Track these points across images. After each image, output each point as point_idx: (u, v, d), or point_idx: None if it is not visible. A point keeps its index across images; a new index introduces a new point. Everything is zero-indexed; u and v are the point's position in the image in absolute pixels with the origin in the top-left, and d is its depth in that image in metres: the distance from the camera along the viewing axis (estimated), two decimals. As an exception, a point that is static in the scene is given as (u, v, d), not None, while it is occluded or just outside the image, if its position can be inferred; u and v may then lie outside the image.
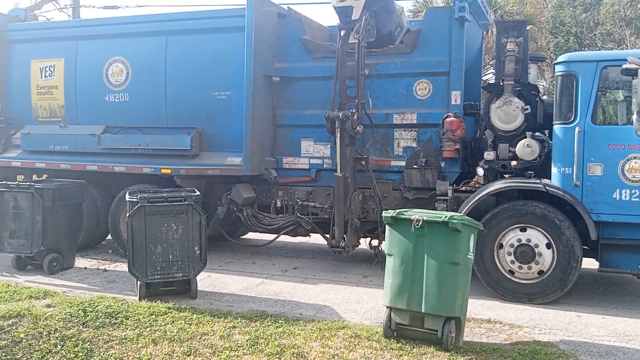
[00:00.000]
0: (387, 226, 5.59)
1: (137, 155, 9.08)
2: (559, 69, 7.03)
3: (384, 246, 5.69)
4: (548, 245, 6.83)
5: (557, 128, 6.97)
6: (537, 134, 7.43)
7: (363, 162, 8.05)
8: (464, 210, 7.10)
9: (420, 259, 5.31)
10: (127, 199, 6.85)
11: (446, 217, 5.25)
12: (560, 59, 7.09)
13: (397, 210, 5.55)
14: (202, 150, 8.85)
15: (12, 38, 10.04)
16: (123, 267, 8.21)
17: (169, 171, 8.82)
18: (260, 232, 9.12)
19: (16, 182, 8.38)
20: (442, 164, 7.98)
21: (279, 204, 8.85)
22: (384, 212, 5.68)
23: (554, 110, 7.09)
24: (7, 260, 8.45)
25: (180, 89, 8.91)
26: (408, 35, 8.16)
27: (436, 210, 7.47)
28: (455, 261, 5.23)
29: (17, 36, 10.04)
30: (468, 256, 5.38)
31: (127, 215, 6.68)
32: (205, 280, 7.69)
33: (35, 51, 9.83)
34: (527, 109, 7.45)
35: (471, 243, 5.41)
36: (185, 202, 6.81)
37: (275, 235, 8.96)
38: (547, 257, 6.83)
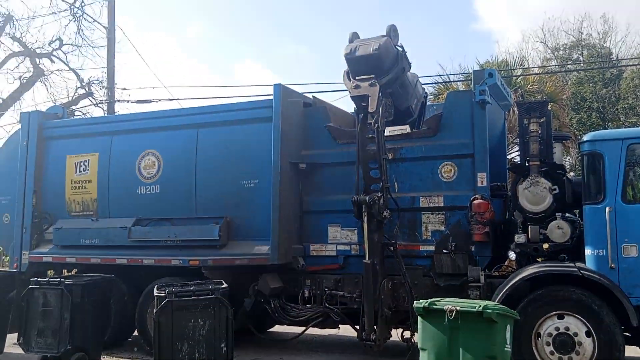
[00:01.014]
0: (419, 317, 5.35)
1: (166, 247, 9.04)
2: (584, 148, 6.90)
3: (417, 339, 5.40)
4: (588, 334, 6.45)
5: (587, 208, 6.76)
6: (568, 214, 7.20)
7: (392, 248, 7.87)
8: (498, 298, 6.80)
9: (456, 353, 5.07)
10: (154, 294, 6.75)
11: (480, 306, 5.04)
12: (585, 138, 6.98)
13: (429, 300, 5.34)
14: (230, 240, 8.77)
15: (49, 135, 10.35)
16: None
17: (197, 263, 8.73)
18: (288, 324, 8.86)
19: (46, 279, 8.32)
20: (473, 248, 7.73)
21: (306, 294, 8.61)
22: (415, 302, 5.47)
23: (583, 190, 6.91)
24: None
25: (210, 179, 8.97)
26: (431, 119, 8.17)
27: (469, 297, 7.20)
28: (492, 355, 5.00)
29: (54, 133, 10.36)
30: (505, 349, 5.11)
31: (155, 311, 6.55)
32: None
33: (71, 147, 10.09)
34: (555, 190, 7.28)
35: (508, 334, 5.16)
36: (212, 296, 6.66)
37: (304, 328, 8.67)
38: (587, 347, 6.44)
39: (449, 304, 5.21)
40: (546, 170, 7.47)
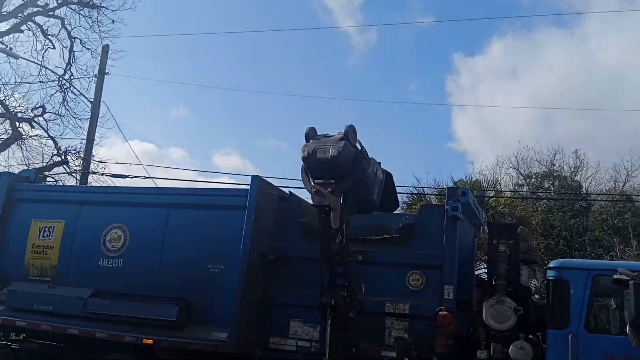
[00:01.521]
0: None
1: (121, 322, 8.78)
2: (550, 273, 7.12)
3: None
4: None
5: (550, 332, 6.88)
6: (530, 336, 7.25)
7: (353, 349, 7.77)
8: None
9: None
10: None
11: None
12: (552, 264, 7.21)
13: None
14: (188, 323, 8.59)
15: (18, 197, 10.27)
16: None
17: (150, 342, 8.49)
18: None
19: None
20: (435, 359, 7.67)
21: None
22: None
23: (547, 314, 7.03)
24: None
25: (175, 260, 8.91)
26: (403, 228, 8.35)
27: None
28: None
29: (23, 195, 10.29)
30: None
31: None
32: None
33: (39, 211, 10.00)
34: (519, 310, 7.38)
35: None
36: None
37: None
38: None
39: None
40: (512, 291, 7.60)
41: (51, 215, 9.88)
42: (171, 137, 60.24)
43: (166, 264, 8.95)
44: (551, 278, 7.05)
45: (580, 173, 30.85)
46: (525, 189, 30.39)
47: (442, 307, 7.68)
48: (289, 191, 9.54)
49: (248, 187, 8.76)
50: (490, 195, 21.80)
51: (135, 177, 16.86)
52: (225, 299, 8.40)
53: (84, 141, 18.87)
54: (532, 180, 31.67)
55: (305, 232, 8.80)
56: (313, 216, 9.24)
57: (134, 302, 8.87)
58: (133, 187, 10.21)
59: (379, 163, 8.47)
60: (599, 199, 27.44)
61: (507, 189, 28.57)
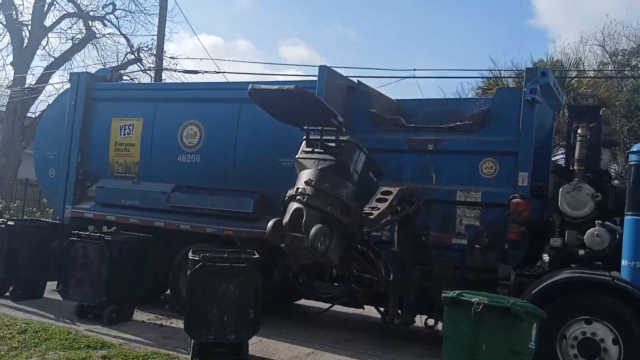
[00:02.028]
0: (445, 307, 5.43)
1: (203, 215, 9.31)
2: (632, 158, 6.81)
3: (442, 328, 5.49)
4: (615, 341, 6.42)
5: (628, 219, 6.69)
6: (607, 222, 7.11)
7: (423, 238, 7.92)
8: (528, 297, 6.78)
9: (479, 345, 5.14)
10: (190, 257, 6.97)
11: (509, 302, 5.08)
12: (635, 148, 6.88)
13: (457, 292, 5.42)
14: (264, 214, 8.94)
15: (97, 96, 10.70)
16: (178, 323, 8.25)
17: (230, 233, 8.99)
18: (315, 300, 9.02)
19: (87, 233, 8.72)
20: (506, 246, 7.72)
21: (334, 273, 8.73)
22: (443, 292, 5.54)
23: (627, 200, 6.81)
24: (70, 308, 8.68)
25: (249, 154, 9.17)
26: (477, 114, 8.11)
27: (497, 294, 7.23)
28: (516, 350, 5.06)
29: (102, 95, 10.71)
30: (530, 346, 5.18)
31: (189, 273, 6.78)
32: (257, 345, 7.63)
33: (117, 110, 10.43)
34: (597, 196, 7.20)
35: (533, 332, 5.21)
36: (244, 265, 6.86)
37: (329, 305, 8.83)
38: (613, 354, 6.40)
39: (477, 297, 5.26)
40: (590, 176, 7.39)
41: (129, 113, 10.28)
42: (237, 29, 59.85)
43: (240, 159, 9.23)
44: (633, 162, 6.75)
45: (671, 48, 28.55)
46: (610, 68, 28.60)
47: (516, 195, 7.58)
48: (358, 80, 9.39)
49: (316, 78, 8.69)
50: (572, 75, 20.69)
51: (206, 72, 17.13)
52: (298, 191, 8.64)
53: (155, 37, 19.12)
54: (619, 57, 29.61)
55: (375, 122, 8.75)
56: (382, 105, 9.19)
57: (213, 196, 9.32)
58: (205, 83, 10.36)
59: None
60: (688, 76, 25.50)
61: (591, 69, 27.03)
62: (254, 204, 8.85)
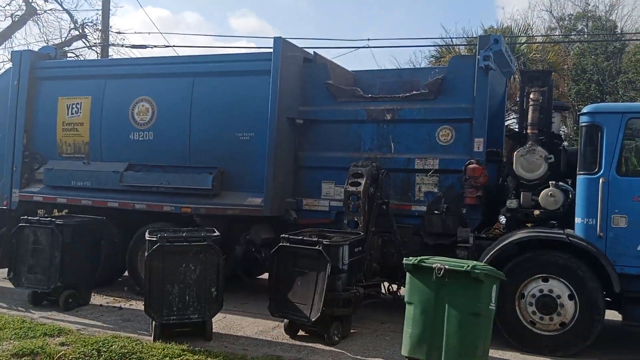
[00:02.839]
0: (407, 274, 5.55)
1: (158, 193, 9.16)
2: (584, 119, 7.02)
3: (404, 294, 5.61)
4: (571, 297, 6.70)
5: (581, 178, 6.92)
6: (561, 183, 7.37)
7: (384, 207, 8.05)
8: (486, 259, 6.99)
9: (441, 308, 5.26)
10: (146, 237, 6.88)
11: (469, 266, 5.22)
12: (586, 110, 7.09)
13: (419, 258, 5.53)
14: (222, 190, 8.91)
15: (41, 75, 10.32)
16: (139, 305, 8.18)
17: (189, 210, 8.89)
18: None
19: (37, 218, 8.50)
20: (464, 211, 7.93)
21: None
22: (405, 259, 5.66)
23: (578, 160, 7.05)
24: (24, 295, 8.48)
25: (205, 129, 9.04)
26: (432, 82, 8.21)
27: (457, 257, 7.43)
28: (477, 312, 5.21)
29: (47, 74, 10.32)
30: (490, 307, 5.33)
31: (146, 254, 6.70)
32: (221, 322, 7.64)
33: (64, 88, 10.08)
34: (550, 158, 7.44)
35: (493, 293, 5.37)
36: (204, 243, 6.81)
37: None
38: (569, 309, 6.69)
39: (437, 262, 5.39)
40: (543, 139, 7.60)
41: (77, 91, 9.97)
42: (184, 0, 58.26)
43: (196, 134, 9.09)
44: (584, 124, 6.97)
45: (615, 12, 29.48)
46: (557, 33, 29.28)
47: (472, 160, 7.76)
48: (314, 52, 9.35)
49: (271, 50, 8.61)
50: (522, 41, 21.11)
51: (155, 46, 16.77)
52: (256, 165, 8.62)
53: (100, 12, 18.50)
54: (566, 22, 30.37)
55: (332, 94, 8.76)
56: (339, 76, 9.20)
57: (169, 173, 9.18)
58: (156, 58, 10.12)
59: None
60: (634, 38, 26.35)
61: (539, 34, 27.60)
62: (213, 180, 8.76)
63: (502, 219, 7.61)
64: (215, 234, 7.03)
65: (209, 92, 9.07)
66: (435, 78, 8.22)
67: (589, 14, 29.92)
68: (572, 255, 6.79)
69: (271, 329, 7.44)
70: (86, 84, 9.92)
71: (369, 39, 20.15)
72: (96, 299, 8.81)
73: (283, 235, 7.07)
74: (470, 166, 7.73)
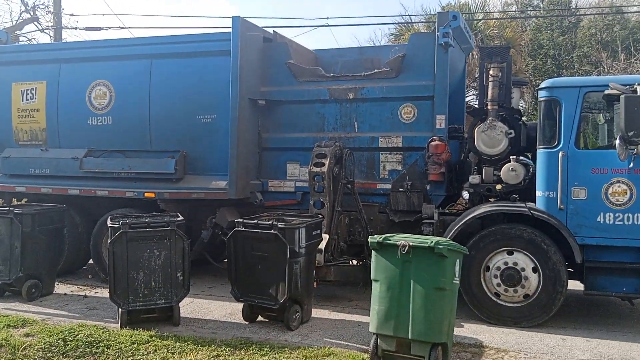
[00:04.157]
0: (373, 252, 5.57)
1: (120, 179, 8.98)
2: (542, 94, 7.09)
3: (370, 271, 5.64)
4: (534, 269, 6.83)
5: (540, 152, 7.02)
6: (522, 157, 7.46)
7: (349, 186, 8.04)
8: (450, 234, 7.08)
9: (407, 284, 5.30)
10: (108, 224, 6.73)
11: (432, 242, 5.26)
12: (544, 84, 7.16)
13: (384, 236, 5.53)
14: (186, 174, 8.77)
15: (-7, 61, 9.93)
16: (104, 292, 8.04)
17: (152, 195, 8.73)
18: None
19: (-6, 207, 8.22)
20: (428, 187, 7.98)
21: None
22: (370, 237, 5.68)
23: (538, 134, 7.14)
24: (-15, 287, 8.24)
25: (165, 113, 8.84)
26: (393, 60, 8.18)
27: (422, 233, 7.50)
28: (441, 287, 5.25)
29: (-1, 58, 9.93)
30: (454, 281, 5.40)
31: (109, 241, 6.58)
32: (188, 307, 7.57)
33: (17, 74, 9.71)
34: (511, 133, 7.51)
35: (457, 268, 5.43)
36: (168, 228, 6.70)
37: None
38: (533, 281, 6.82)
39: (402, 239, 5.36)
40: (503, 115, 7.68)
41: (31, 76, 9.62)
42: None
43: (156, 118, 8.89)
44: (543, 98, 7.04)
45: (570, -14, 29.74)
46: (514, 9, 29.53)
47: (435, 137, 7.80)
48: (274, 31, 9.21)
49: (229, 30, 8.42)
50: (479, 17, 21.22)
51: (110, 28, 16.30)
52: (219, 148, 8.50)
53: None
54: (521, -2, 30.63)
55: (294, 74, 8.66)
56: (300, 56, 9.10)
57: (130, 159, 8.99)
58: (111, 40, 9.77)
59: None
60: (589, 12, 26.80)
61: (496, 10, 27.80)
62: (175, 164, 8.61)
63: (465, 195, 7.67)
64: (179, 219, 6.92)
65: (168, 74, 8.86)
66: (396, 56, 8.20)
67: (545, -12, 30.25)
68: (534, 228, 6.91)
69: (238, 311, 7.38)
70: (40, 69, 9.57)
71: (328, 17, 19.96)
72: (60, 288, 8.63)
73: (237, 220, 6.97)
74: (433, 143, 7.77)
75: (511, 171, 7.30)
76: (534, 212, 6.92)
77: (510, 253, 6.92)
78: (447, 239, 6.85)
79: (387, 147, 8.25)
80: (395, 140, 8.20)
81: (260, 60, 8.77)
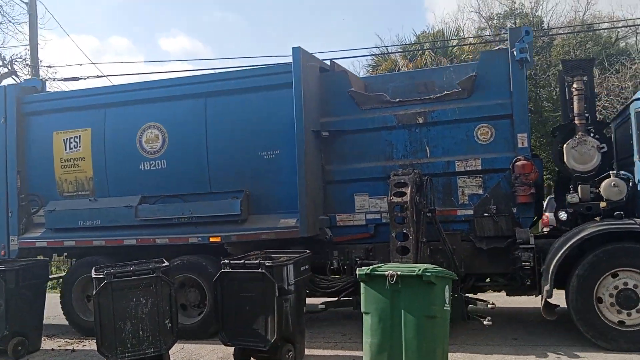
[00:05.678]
0: (361, 283, 5.15)
1: (180, 224, 7.93)
2: (638, 105, 6.35)
3: (360, 304, 5.18)
4: None
5: (644, 165, 6.24)
6: (622, 172, 6.67)
7: (429, 214, 7.15)
8: (557, 257, 6.24)
9: (398, 315, 4.93)
10: (92, 275, 6.02)
11: (420, 270, 4.91)
12: (638, 95, 6.43)
13: (371, 267, 5.18)
14: (250, 214, 7.78)
15: (30, 110, 8.84)
16: (92, 345, 7.03)
17: (218, 239, 7.71)
18: (319, 296, 8.00)
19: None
20: (515, 210, 7.12)
21: (335, 265, 7.80)
22: (357, 269, 5.30)
23: (637, 146, 6.38)
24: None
25: (223, 152, 7.89)
26: (465, 80, 7.38)
27: (520, 259, 6.67)
28: (432, 314, 4.88)
29: (37, 108, 8.84)
30: (444, 308, 5.01)
31: (94, 292, 5.91)
32: (179, 353, 6.88)
33: (58, 122, 8.63)
34: (603, 147, 6.75)
35: (446, 294, 5.05)
36: (154, 274, 6.06)
37: (336, 298, 7.85)
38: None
39: (389, 269, 5.04)
40: (591, 129, 6.93)
41: (73, 124, 8.56)
42: (110, 26, 55.24)
43: (215, 158, 7.92)
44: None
45: (540, 8, 29.70)
46: (487, 32, 29.36)
47: (520, 157, 6.99)
48: (331, 60, 8.36)
49: (288, 62, 7.55)
50: (454, 44, 20.87)
51: (88, 77, 15.27)
52: (285, 184, 7.57)
53: (28, 47, 16.78)
54: (495, 22, 30.49)
55: (357, 102, 7.80)
56: (355, 85, 8.25)
57: (189, 202, 7.96)
58: (160, 81, 8.73)
59: None
60: (561, 32, 26.72)
61: (471, 35, 27.55)
62: (240, 204, 7.62)
63: (563, 215, 6.84)
64: (164, 265, 6.25)
65: (224, 112, 7.92)
66: (468, 76, 7.39)
67: (516, 12, 30.14)
68: None
69: (231, 355, 6.41)
70: (83, 115, 8.53)
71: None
72: (47, 343, 7.82)
73: (224, 261, 6.27)
74: (519, 163, 6.94)
75: (613, 187, 6.50)
76: (651, 229, 6.09)
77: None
78: (555, 262, 6.08)
79: (465, 170, 7.37)
80: (473, 163, 7.34)
81: (319, 90, 7.90)
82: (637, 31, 25.21)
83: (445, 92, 7.51)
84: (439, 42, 22.87)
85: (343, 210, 7.86)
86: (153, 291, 6.02)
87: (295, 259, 6.28)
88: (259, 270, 5.96)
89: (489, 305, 6.88)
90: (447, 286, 5.05)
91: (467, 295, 7.29)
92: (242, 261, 6.25)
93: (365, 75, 16.12)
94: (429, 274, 4.85)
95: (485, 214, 7.18)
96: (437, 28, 24.66)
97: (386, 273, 4.97)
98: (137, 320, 5.95)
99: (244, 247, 7.63)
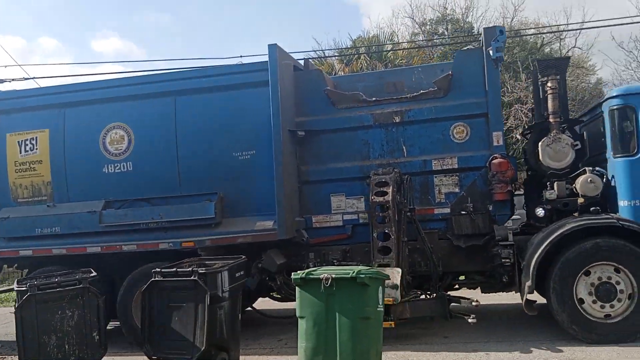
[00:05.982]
0: (297, 288, 5.05)
1: (148, 230, 7.45)
2: (614, 102, 6.48)
3: (295, 309, 5.06)
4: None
5: (620, 161, 6.38)
6: (597, 168, 6.78)
7: (409, 214, 7.03)
8: (538, 253, 6.24)
9: (332, 318, 4.87)
10: (15, 288, 5.65)
11: (354, 272, 4.87)
12: (616, 92, 6.58)
13: (306, 271, 5.10)
14: (224, 217, 7.40)
15: (-26, 112, 8.08)
16: None
17: (191, 244, 7.27)
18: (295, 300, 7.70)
19: None
20: (491, 207, 7.11)
21: (312, 267, 7.53)
22: (293, 274, 5.11)
23: (611, 143, 6.50)
24: None
25: (195, 153, 7.48)
26: (440, 80, 7.31)
27: (499, 256, 6.66)
28: (366, 316, 4.85)
29: (-17, 109, 8.09)
30: (378, 309, 4.99)
31: (15, 306, 5.51)
32: None
33: (12, 123, 7.95)
34: (577, 145, 6.84)
35: (380, 295, 5.03)
36: (80, 285, 5.71)
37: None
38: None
39: (324, 272, 4.98)
40: (564, 127, 7.02)
41: (29, 125, 7.92)
42: (39, 26, 52.36)
43: (185, 159, 7.50)
44: (615, 106, 6.45)
45: (471, 14, 30.51)
46: (420, 38, 29.90)
47: (496, 155, 6.99)
48: (304, 59, 8.11)
49: (263, 60, 7.25)
50: (388, 49, 21.09)
51: (14, 79, 14.26)
52: (260, 186, 7.26)
53: None
54: (427, 27, 31.09)
55: (333, 101, 7.59)
56: (332, 83, 8.05)
57: (158, 206, 7.49)
58: (127, 79, 8.13)
59: None
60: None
61: (404, 40, 27.96)
62: (215, 207, 7.23)
63: (540, 212, 6.87)
64: (92, 275, 5.92)
65: (195, 111, 7.51)
66: (444, 75, 7.33)
67: (448, 17, 30.85)
68: (624, 239, 6.17)
69: None
70: (40, 116, 7.88)
71: (241, 56, 18.80)
72: None
73: (154, 270, 5.89)
74: (495, 161, 6.94)
75: (589, 183, 6.58)
76: (623, 223, 6.22)
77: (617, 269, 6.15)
78: (536, 258, 6.11)
79: (442, 169, 7.29)
80: (450, 161, 7.28)
81: (294, 89, 7.63)
82: (561, 37, 26.28)
83: (422, 91, 7.42)
84: (373, 47, 22.97)
85: (319, 212, 7.61)
86: (80, 303, 5.67)
87: (230, 265, 5.96)
88: (192, 277, 5.61)
89: (473, 303, 6.80)
90: (380, 287, 5.03)
91: (449, 293, 7.21)
92: (174, 269, 5.89)
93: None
94: (362, 275, 4.83)
95: (462, 212, 7.14)
96: (373, 33, 24.88)
97: (321, 276, 4.91)
98: (63, 334, 5.58)
99: (219, 251, 7.23)
